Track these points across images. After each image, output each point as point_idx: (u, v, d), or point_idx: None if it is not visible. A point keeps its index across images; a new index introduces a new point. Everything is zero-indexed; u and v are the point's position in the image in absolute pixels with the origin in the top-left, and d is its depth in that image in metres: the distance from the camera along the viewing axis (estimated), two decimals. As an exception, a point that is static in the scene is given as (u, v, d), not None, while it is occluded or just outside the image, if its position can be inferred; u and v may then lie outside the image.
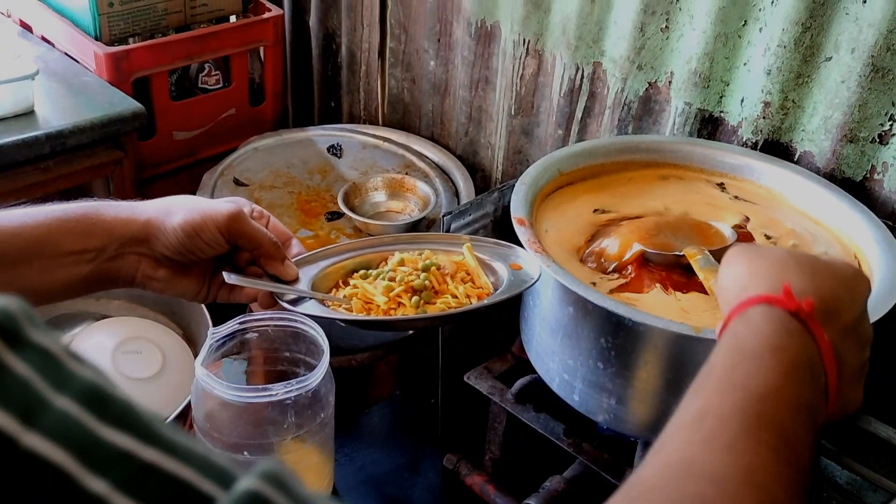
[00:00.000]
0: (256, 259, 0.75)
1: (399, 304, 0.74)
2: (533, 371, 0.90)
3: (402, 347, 1.34)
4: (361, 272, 0.77)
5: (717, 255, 0.75)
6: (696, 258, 0.77)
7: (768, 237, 0.90)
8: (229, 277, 0.72)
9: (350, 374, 1.27)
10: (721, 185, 0.99)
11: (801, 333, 0.51)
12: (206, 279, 0.76)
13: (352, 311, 0.75)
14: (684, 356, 0.72)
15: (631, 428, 0.81)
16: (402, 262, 0.78)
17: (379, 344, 1.29)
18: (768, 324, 0.50)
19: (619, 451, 0.86)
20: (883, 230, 0.85)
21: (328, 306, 0.75)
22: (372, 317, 0.73)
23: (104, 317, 1.20)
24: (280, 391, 0.87)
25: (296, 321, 0.97)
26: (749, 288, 0.54)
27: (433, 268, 0.74)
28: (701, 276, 0.76)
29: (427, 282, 0.73)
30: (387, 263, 0.78)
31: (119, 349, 1.10)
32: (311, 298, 0.74)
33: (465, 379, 0.94)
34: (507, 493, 0.94)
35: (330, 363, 0.89)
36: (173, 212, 0.70)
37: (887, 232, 0.84)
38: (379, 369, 1.38)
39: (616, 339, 0.75)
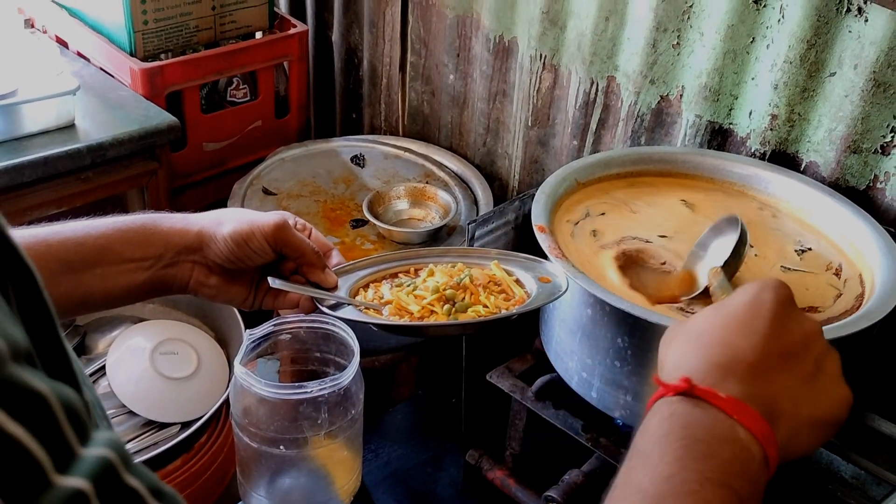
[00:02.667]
0: (299, 268, 0.80)
1: (432, 312, 0.78)
2: (552, 370, 0.95)
3: (422, 350, 1.39)
4: (397, 281, 0.82)
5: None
6: (713, 283, 0.81)
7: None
8: (274, 282, 0.77)
9: (373, 375, 1.32)
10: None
11: (708, 411, 0.50)
12: (253, 286, 0.81)
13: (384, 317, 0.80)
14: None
15: (646, 423, 0.85)
16: (433, 274, 0.83)
17: (400, 346, 1.35)
18: (673, 418, 0.50)
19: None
20: (885, 236, 0.90)
21: (364, 312, 0.80)
22: (406, 322, 0.78)
23: (140, 320, 1.26)
24: (314, 388, 0.92)
25: (326, 323, 1.02)
26: (666, 373, 0.54)
27: (466, 279, 0.79)
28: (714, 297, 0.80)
29: (459, 291, 0.78)
30: (418, 274, 0.83)
31: (157, 350, 1.16)
32: (348, 304, 0.79)
33: (488, 378, 0.99)
34: (527, 486, 0.99)
35: (357, 363, 0.94)
36: (224, 222, 0.75)
37: (889, 238, 0.89)
38: (401, 370, 1.43)
39: (632, 338, 0.80)
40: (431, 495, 1.08)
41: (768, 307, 0.54)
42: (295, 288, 0.79)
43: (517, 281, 0.81)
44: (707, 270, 0.83)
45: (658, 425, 0.50)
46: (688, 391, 0.50)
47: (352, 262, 0.85)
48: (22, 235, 0.68)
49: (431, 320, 0.78)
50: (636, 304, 0.78)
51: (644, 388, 0.83)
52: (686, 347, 0.55)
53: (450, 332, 0.85)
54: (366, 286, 0.85)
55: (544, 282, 0.80)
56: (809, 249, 0.94)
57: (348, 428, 0.99)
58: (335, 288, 0.81)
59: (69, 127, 1.25)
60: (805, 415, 0.52)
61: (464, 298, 0.79)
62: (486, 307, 0.77)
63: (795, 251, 0.94)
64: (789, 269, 0.91)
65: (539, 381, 0.95)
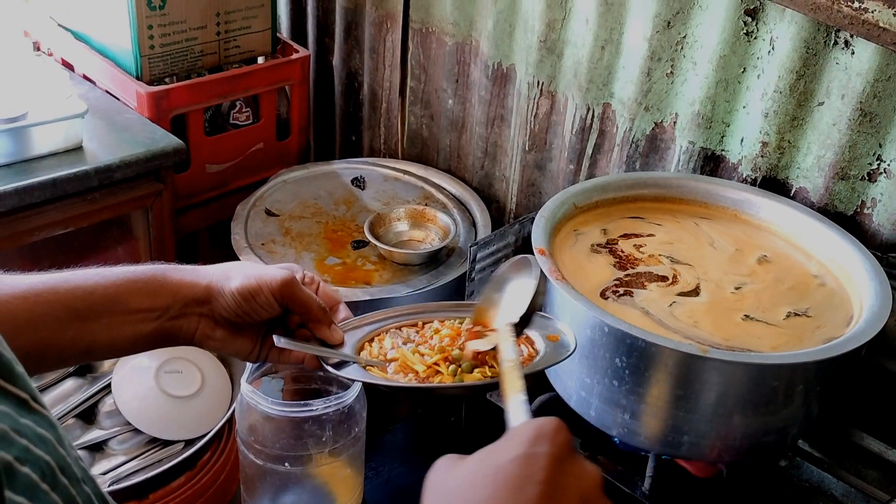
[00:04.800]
0: (305, 323, 0.80)
1: (437, 372, 0.76)
2: (552, 390, 0.98)
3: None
4: (403, 334, 0.82)
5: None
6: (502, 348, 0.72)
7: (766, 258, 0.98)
8: (279, 341, 0.77)
9: (374, 394, 1.34)
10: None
11: None
12: (259, 340, 0.80)
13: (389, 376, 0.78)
14: (692, 374, 0.80)
15: (643, 441, 0.88)
16: (438, 331, 0.81)
17: (401, 366, 1.37)
18: None
19: (632, 463, 0.94)
20: (871, 260, 0.93)
21: (369, 370, 0.78)
22: (412, 383, 0.76)
23: (145, 339, 1.27)
24: (319, 406, 0.94)
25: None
26: None
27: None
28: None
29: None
30: (425, 328, 0.82)
31: (162, 369, 1.18)
32: (353, 362, 0.79)
33: (488, 397, 1.02)
34: None
35: (356, 384, 0.96)
36: (232, 276, 0.76)
37: (875, 262, 0.92)
38: (401, 390, 1.45)
39: (630, 358, 0.83)
40: (431, 512, 1.10)
41: (542, 465, 0.46)
42: (298, 346, 0.78)
43: (528, 339, 0.79)
44: (500, 319, 0.76)
45: None
46: None
47: (359, 317, 0.85)
48: (32, 282, 0.69)
49: (436, 381, 0.75)
50: (634, 325, 0.81)
51: (641, 406, 0.85)
52: None
53: (454, 393, 0.83)
54: (371, 340, 0.84)
55: (552, 339, 0.78)
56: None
57: (351, 446, 1.02)
58: (341, 344, 0.80)
59: (77, 149, 1.27)
60: None
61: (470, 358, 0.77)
62: (493, 367, 0.75)
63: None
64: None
65: (538, 400, 0.98)
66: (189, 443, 1.14)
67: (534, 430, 0.48)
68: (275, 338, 0.77)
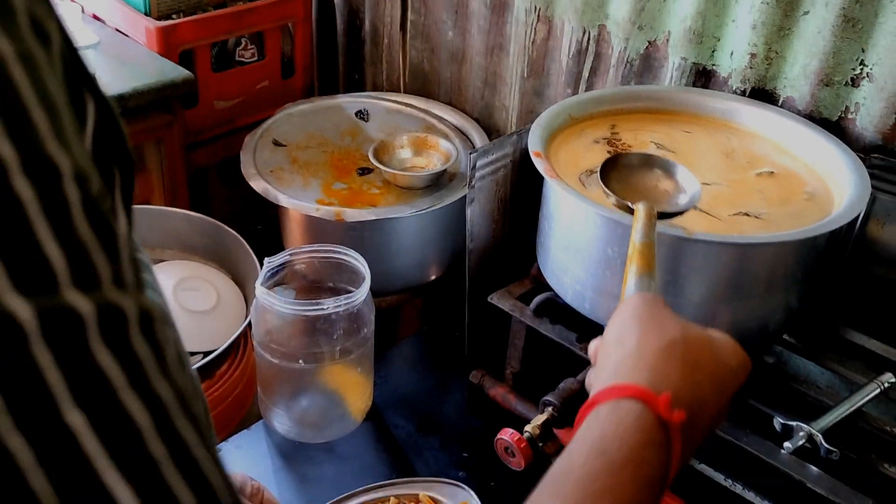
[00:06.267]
0: None
1: None
2: (548, 291, 1.03)
3: (425, 291, 1.47)
4: None
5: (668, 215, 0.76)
6: (636, 227, 0.72)
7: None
8: None
9: (379, 314, 1.40)
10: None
11: (663, 446, 0.50)
12: None
13: None
14: (679, 257, 0.85)
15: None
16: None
17: (405, 288, 1.43)
18: (638, 432, 0.50)
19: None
20: (854, 158, 0.97)
21: None
22: None
23: (160, 262, 1.33)
24: (330, 305, 1.00)
25: (339, 253, 1.10)
26: (630, 369, 0.54)
27: None
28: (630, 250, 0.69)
29: None
30: None
31: (179, 286, 1.24)
32: None
33: (489, 299, 1.07)
34: (526, 399, 1.07)
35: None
36: None
37: (856, 158, 0.97)
38: (405, 311, 1.51)
39: (622, 247, 0.88)
40: (438, 415, 1.16)
41: (744, 379, 0.58)
42: None
43: None
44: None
45: (640, 445, 0.50)
46: (674, 430, 0.50)
47: None
48: None
49: None
50: (624, 214, 0.86)
51: (632, 294, 0.90)
52: (679, 367, 0.54)
53: None
54: None
55: None
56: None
57: (360, 346, 1.08)
58: None
59: (90, 80, 1.32)
60: (720, 390, 0.56)
61: None
62: None
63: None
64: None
65: (537, 299, 1.03)
66: (207, 355, 1.21)
67: (743, 355, 0.59)
68: None
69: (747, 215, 0.94)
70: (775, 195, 0.98)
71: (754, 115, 1.09)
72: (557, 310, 1.03)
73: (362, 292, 1.03)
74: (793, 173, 1.02)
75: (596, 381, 0.55)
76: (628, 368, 0.53)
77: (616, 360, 0.55)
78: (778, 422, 0.89)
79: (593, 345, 0.62)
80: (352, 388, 1.12)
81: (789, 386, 1.03)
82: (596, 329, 1.03)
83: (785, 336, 1.03)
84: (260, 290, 1.01)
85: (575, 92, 1.36)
